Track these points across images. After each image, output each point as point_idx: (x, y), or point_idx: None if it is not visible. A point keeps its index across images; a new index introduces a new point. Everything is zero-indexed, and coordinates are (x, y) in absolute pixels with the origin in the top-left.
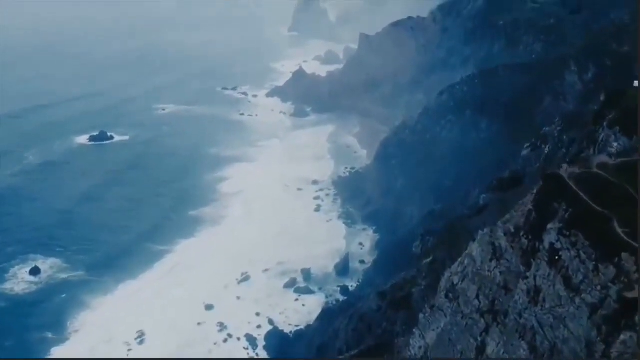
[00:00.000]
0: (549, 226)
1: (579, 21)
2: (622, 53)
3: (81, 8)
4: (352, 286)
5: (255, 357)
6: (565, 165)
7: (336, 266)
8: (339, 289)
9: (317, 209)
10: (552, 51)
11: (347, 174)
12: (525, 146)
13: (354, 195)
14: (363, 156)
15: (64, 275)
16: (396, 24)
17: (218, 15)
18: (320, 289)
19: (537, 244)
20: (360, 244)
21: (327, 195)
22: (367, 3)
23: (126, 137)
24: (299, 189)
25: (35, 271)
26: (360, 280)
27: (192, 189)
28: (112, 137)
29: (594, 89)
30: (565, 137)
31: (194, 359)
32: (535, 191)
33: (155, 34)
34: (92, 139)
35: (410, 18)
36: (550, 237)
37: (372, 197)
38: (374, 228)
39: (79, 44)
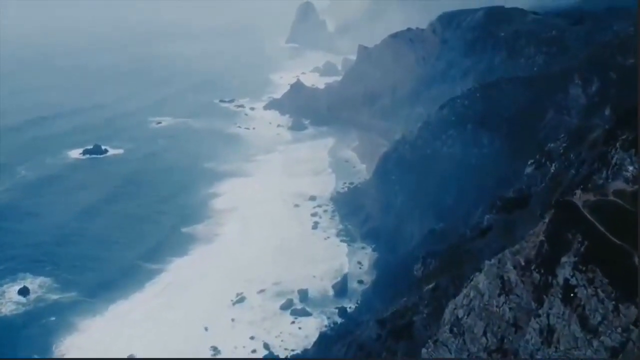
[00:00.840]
0: (563, 260)
1: (581, 33)
2: (627, 66)
3: (76, 18)
4: (350, 307)
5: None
6: (578, 192)
7: (334, 287)
8: (336, 310)
9: (315, 226)
10: (554, 63)
11: (346, 189)
12: (529, 163)
13: (353, 211)
14: (362, 170)
15: (53, 296)
16: (395, 36)
17: (216, 27)
18: (317, 310)
19: (550, 278)
20: (359, 262)
21: (325, 211)
22: (366, 14)
23: (120, 151)
24: (296, 205)
25: (24, 291)
26: (358, 302)
27: (187, 205)
28: (106, 151)
29: (598, 103)
30: (572, 156)
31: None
32: (546, 220)
33: (151, 45)
34: (85, 152)
35: (409, 29)
36: (564, 272)
37: (371, 214)
38: (372, 246)
39: (73, 55)
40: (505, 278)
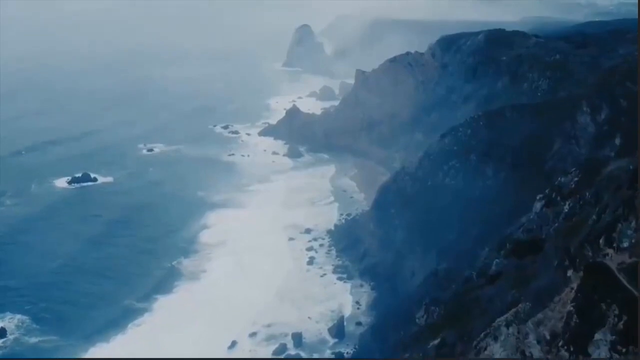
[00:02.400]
0: (597, 336)
1: (586, 57)
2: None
3: (70, 40)
4: (347, 353)
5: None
6: (611, 252)
7: (330, 330)
8: (333, 355)
9: (310, 261)
10: (559, 88)
11: (343, 220)
12: (538, 197)
13: (350, 245)
14: (360, 200)
15: (32, 339)
16: (393, 60)
17: (211, 50)
18: (313, 356)
19: (581, 358)
20: (357, 302)
21: (321, 245)
22: (364, 37)
23: (110, 179)
24: (291, 239)
25: (1, 332)
26: (356, 347)
27: (175, 238)
28: (95, 179)
29: (608, 132)
30: (588, 195)
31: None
32: (574, 286)
33: (146, 68)
34: (73, 181)
35: (408, 53)
36: (599, 352)
37: (369, 249)
38: (371, 284)
39: (64, 78)
40: (527, 354)
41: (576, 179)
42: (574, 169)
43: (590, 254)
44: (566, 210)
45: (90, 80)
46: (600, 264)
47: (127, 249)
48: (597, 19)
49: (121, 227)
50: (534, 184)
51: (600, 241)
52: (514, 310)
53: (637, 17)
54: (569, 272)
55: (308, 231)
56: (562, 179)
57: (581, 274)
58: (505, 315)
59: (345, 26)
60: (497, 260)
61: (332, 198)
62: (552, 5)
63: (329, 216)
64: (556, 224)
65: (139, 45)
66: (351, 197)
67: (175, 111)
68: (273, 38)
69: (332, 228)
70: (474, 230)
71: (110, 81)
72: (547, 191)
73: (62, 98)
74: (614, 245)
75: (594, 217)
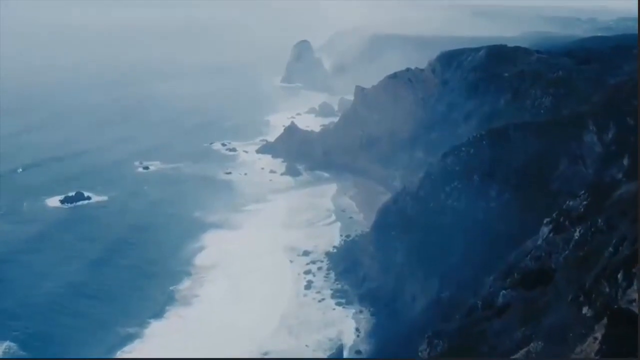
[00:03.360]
0: None
1: (590, 73)
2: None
3: (64, 56)
4: None
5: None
6: (637, 297)
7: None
8: None
9: (308, 285)
10: (562, 105)
11: (342, 242)
12: (545, 222)
13: (350, 268)
14: (359, 220)
15: None
16: (393, 76)
17: (209, 65)
18: None
19: None
20: (357, 329)
21: (319, 268)
22: (364, 52)
23: (104, 198)
24: (288, 261)
25: None
26: None
27: (170, 260)
28: (88, 198)
29: (615, 152)
30: (600, 222)
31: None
32: (598, 336)
33: (143, 83)
34: (66, 200)
35: (408, 69)
36: None
37: (369, 273)
38: (371, 310)
39: (60, 94)
40: None
41: (585, 202)
42: (582, 192)
43: (607, 290)
44: (577, 238)
45: (87, 95)
46: (625, 311)
47: (120, 271)
48: (597, 34)
49: (114, 249)
50: (540, 205)
51: (619, 276)
52: (525, 350)
53: (637, 32)
54: (585, 309)
55: (306, 253)
56: (571, 203)
57: (605, 321)
58: (516, 356)
59: (345, 42)
60: (504, 291)
61: (331, 218)
62: (552, 20)
63: (328, 237)
64: (566, 252)
65: (138, 60)
66: (350, 218)
67: (173, 128)
68: (272, 53)
69: (331, 250)
70: (477, 253)
71: (107, 97)
72: (554, 215)
73: (59, 114)
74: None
75: (611, 249)
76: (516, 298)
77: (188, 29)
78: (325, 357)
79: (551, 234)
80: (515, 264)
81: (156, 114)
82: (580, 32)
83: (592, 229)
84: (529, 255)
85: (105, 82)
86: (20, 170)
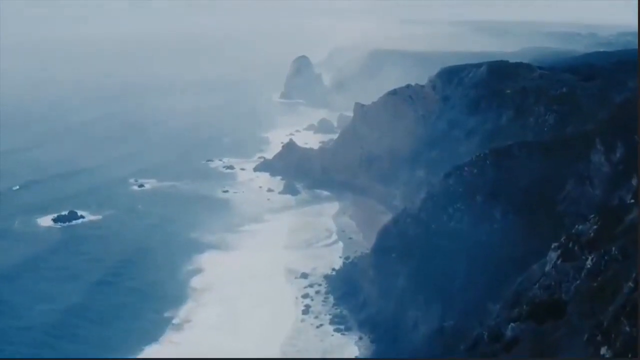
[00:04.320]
0: None
1: (594, 90)
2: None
3: (62, 70)
4: None
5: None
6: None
7: None
8: None
9: (306, 310)
10: (566, 123)
11: (342, 264)
12: (553, 246)
13: (349, 293)
14: (359, 241)
15: None
16: (393, 93)
17: (208, 80)
18: None
19: None
20: (356, 358)
21: (317, 292)
22: (363, 68)
23: (98, 217)
24: (284, 284)
25: None
26: None
27: (164, 283)
28: (82, 217)
29: (623, 172)
30: (614, 250)
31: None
32: None
33: (140, 99)
34: (58, 219)
35: (408, 86)
36: None
37: (369, 298)
38: (371, 336)
39: (57, 110)
40: None
41: (595, 227)
42: (592, 215)
43: (628, 329)
44: (589, 266)
45: (86, 111)
46: None
47: (113, 295)
48: (598, 50)
49: (106, 272)
50: (546, 228)
51: None
52: None
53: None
54: (603, 350)
55: (304, 276)
56: (580, 227)
57: None
58: None
59: (344, 57)
60: (512, 324)
61: (330, 239)
62: (552, 35)
63: (327, 259)
64: (577, 282)
65: (137, 75)
66: (350, 238)
67: (169, 144)
68: (271, 69)
69: (330, 273)
70: (481, 278)
71: (105, 112)
72: (562, 240)
73: (58, 130)
74: None
75: (631, 284)
76: (525, 331)
77: (187, 44)
78: None
79: (560, 260)
80: (522, 292)
81: (153, 130)
82: (581, 47)
83: (606, 258)
84: (537, 284)
85: (103, 96)
86: (17, 187)
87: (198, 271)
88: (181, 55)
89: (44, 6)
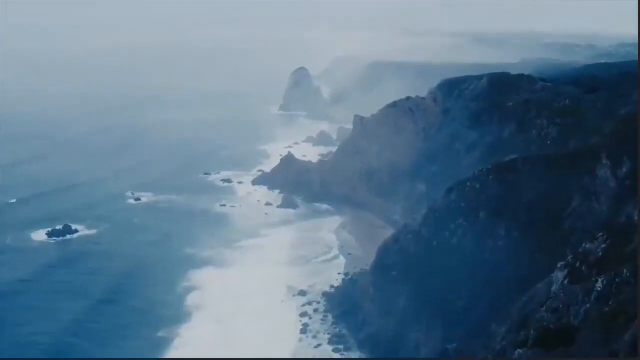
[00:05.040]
0: None
1: (598, 103)
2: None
3: (62, 82)
4: None
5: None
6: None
7: None
8: None
9: (304, 329)
10: (570, 136)
11: (341, 281)
12: (560, 266)
13: (348, 311)
14: (359, 256)
15: None
16: (394, 105)
17: (206, 93)
18: None
19: None
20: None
21: (316, 310)
22: (363, 80)
23: (93, 232)
24: (282, 302)
25: None
26: None
27: (158, 301)
28: (76, 231)
29: (630, 187)
30: (626, 272)
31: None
32: None
33: (138, 111)
34: (52, 234)
35: (408, 98)
36: None
37: (369, 317)
38: (371, 358)
39: (54, 123)
40: None
41: (604, 245)
42: (600, 234)
43: None
44: (599, 289)
45: (84, 123)
46: None
47: (106, 313)
48: (599, 61)
49: (100, 289)
50: (551, 245)
51: None
52: None
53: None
54: None
55: (302, 293)
56: (587, 246)
57: None
58: None
59: (343, 69)
60: (519, 350)
61: (329, 255)
62: (552, 46)
63: (325, 276)
64: (588, 305)
65: (136, 87)
66: (349, 254)
67: (166, 157)
68: (270, 81)
69: (329, 290)
70: (485, 297)
71: (104, 124)
72: (569, 259)
73: (57, 142)
74: None
75: None
76: (533, 359)
77: (186, 56)
78: None
79: (567, 281)
80: (529, 315)
81: (151, 143)
82: (581, 58)
83: (617, 280)
84: (544, 306)
85: (101, 109)
86: (14, 201)
87: (194, 288)
88: (180, 67)
89: (41, 18)
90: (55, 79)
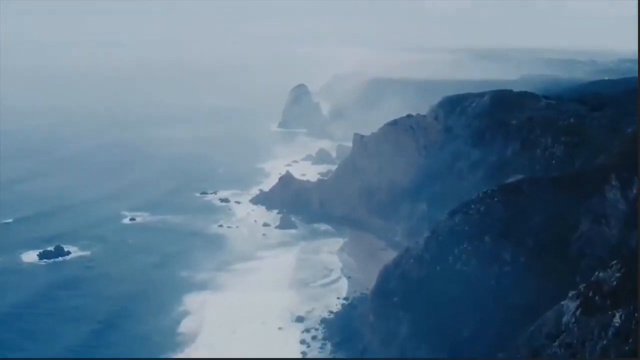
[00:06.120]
0: None
1: (604, 120)
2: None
3: (59, 97)
4: None
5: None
6: None
7: None
8: None
9: (302, 358)
10: (575, 155)
11: (340, 306)
12: (571, 295)
13: (348, 339)
14: (358, 279)
15: None
16: (394, 123)
17: (204, 109)
18: None
19: None
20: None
21: (314, 337)
22: (362, 97)
23: (87, 253)
24: (280, 329)
25: None
26: None
27: (151, 326)
28: (68, 253)
29: None
30: None
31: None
32: None
33: (136, 129)
34: (44, 255)
35: (409, 116)
36: None
37: (369, 345)
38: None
39: (51, 140)
40: None
41: (618, 274)
42: (614, 262)
43: None
44: (617, 324)
45: (80, 141)
46: None
47: (98, 340)
48: (600, 77)
49: (91, 314)
50: (559, 271)
51: None
52: None
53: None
54: None
55: (300, 319)
56: (600, 274)
57: None
58: None
59: (343, 85)
60: None
61: (328, 278)
62: (552, 62)
63: (324, 300)
64: (604, 342)
65: (135, 103)
66: (349, 277)
67: (163, 176)
68: (269, 97)
69: (328, 316)
70: (491, 326)
71: (99, 142)
72: (581, 288)
73: (49, 161)
74: None
75: None
76: None
77: (186, 72)
78: None
79: (579, 312)
80: (540, 349)
81: (149, 160)
82: (582, 74)
83: (637, 314)
84: (557, 341)
85: (98, 126)
86: (10, 220)
87: (187, 314)
88: (180, 83)
89: (40, 34)
90: (54, 95)
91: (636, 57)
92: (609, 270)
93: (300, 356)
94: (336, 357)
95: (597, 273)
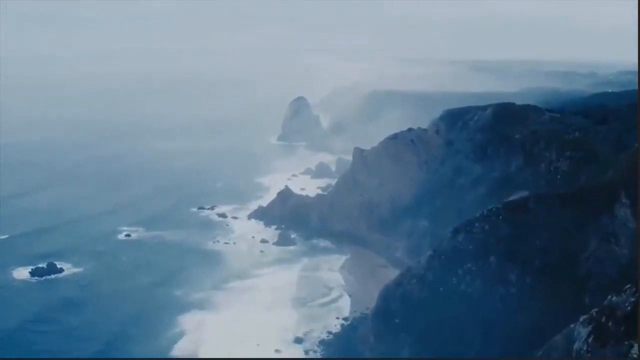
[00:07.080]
0: None
1: (610, 134)
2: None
3: (48, 109)
4: None
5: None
6: None
7: None
8: None
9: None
10: (581, 170)
11: (339, 327)
12: (582, 320)
13: None
14: (359, 298)
15: None
16: (394, 137)
17: (203, 122)
18: None
19: None
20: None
21: None
22: (363, 110)
23: (80, 269)
24: (277, 351)
25: None
26: None
27: (144, 349)
28: (61, 270)
29: None
30: None
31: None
32: None
33: (134, 141)
34: (36, 272)
35: (410, 130)
36: None
37: None
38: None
39: (47, 152)
40: None
41: (633, 299)
42: (628, 285)
43: None
44: (635, 356)
45: (76, 154)
46: None
47: None
48: (600, 89)
49: (84, 335)
50: (568, 292)
51: None
52: None
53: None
54: None
55: (298, 341)
56: (614, 299)
57: None
58: None
59: (343, 98)
60: None
61: (327, 297)
62: (552, 74)
63: (323, 321)
64: None
65: (133, 115)
66: (350, 295)
67: (159, 190)
68: (268, 110)
69: (327, 337)
70: (495, 350)
71: (95, 155)
72: (594, 313)
73: (45, 175)
74: None
75: None
76: None
77: (185, 85)
78: None
79: (591, 339)
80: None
81: (146, 173)
82: (582, 86)
83: None
84: None
85: (95, 139)
86: (6, 237)
87: (181, 335)
88: (179, 96)
89: (40, 46)
90: (54, 107)
91: (636, 69)
92: (622, 294)
93: None
94: None
95: (610, 297)
